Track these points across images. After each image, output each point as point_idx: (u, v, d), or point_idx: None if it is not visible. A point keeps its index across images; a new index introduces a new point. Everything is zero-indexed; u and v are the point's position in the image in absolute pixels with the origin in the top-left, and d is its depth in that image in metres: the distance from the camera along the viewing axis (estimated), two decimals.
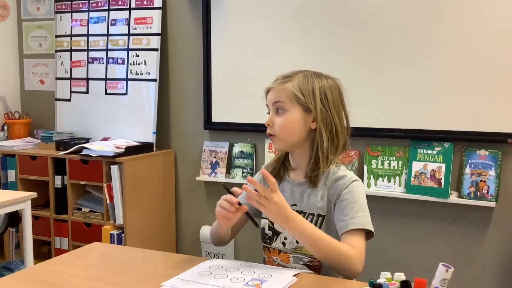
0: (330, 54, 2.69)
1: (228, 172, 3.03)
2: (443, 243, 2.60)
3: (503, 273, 2.50)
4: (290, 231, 1.35)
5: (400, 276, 0.88)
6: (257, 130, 2.90)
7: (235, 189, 1.39)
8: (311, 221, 1.43)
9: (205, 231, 3.08)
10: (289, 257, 1.47)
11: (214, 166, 3.04)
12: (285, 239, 1.48)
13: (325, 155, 1.42)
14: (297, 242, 1.45)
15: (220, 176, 3.01)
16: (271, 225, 1.51)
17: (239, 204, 1.35)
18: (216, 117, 3.04)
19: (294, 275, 1.29)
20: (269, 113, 1.49)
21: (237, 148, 3.01)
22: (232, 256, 3.06)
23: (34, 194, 2.43)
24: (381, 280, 0.87)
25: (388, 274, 0.89)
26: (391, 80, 2.59)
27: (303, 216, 1.43)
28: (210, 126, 3.06)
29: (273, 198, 1.28)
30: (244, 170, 2.97)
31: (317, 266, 1.44)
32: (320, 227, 1.42)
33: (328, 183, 1.44)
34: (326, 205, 1.43)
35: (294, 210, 1.42)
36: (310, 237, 1.31)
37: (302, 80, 1.44)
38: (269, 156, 2.90)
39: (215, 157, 3.05)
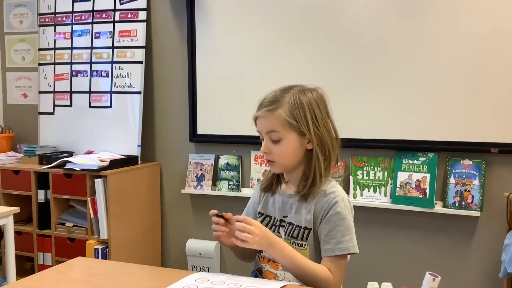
0: (315, 65, 2.71)
1: (214, 184, 3.01)
2: (429, 253, 2.61)
3: (489, 281, 2.51)
4: (273, 256, 1.41)
5: (388, 286, 0.88)
6: (243, 142, 2.90)
7: (225, 214, 1.42)
8: (298, 233, 1.45)
9: (191, 244, 3.06)
10: (278, 265, 1.48)
11: (200, 178, 3.03)
12: None
13: (322, 175, 1.45)
14: None
15: (206, 189, 3.00)
16: None
17: (223, 217, 1.42)
18: (201, 130, 3.03)
19: (281, 287, 1.28)
20: (262, 139, 1.47)
21: (223, 160, 3.00)
22: (219, 269, 3.04)
23: (16, 209, 2.39)
24: None
25: (375, 284, 0.89)
26: (376, 91, 2.61)
27: (291, 228, 1.47)
28: (196, 138, 3.05)
29: (254, 231, 1.33)
30: (230, 182, 2.95)
31: None
32: (306, 239, 1.44)
33: (316, 198, 1.46)
34: (313, 218, 1.44)
35: (285, 221, 1.48)
36: (291, 263, 1.38)
37: (292, 104, 1.42)
38: (255, 168, 2.89)
39: (200, 169, 3.04)
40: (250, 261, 1.61)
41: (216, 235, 1.43)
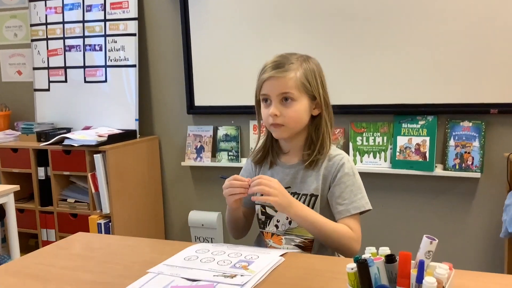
0: (312, 34, 2.66)
1: (213, 156, 3.01)
2: (430, 216, 2.62)
3: (490, 242, 2.53)
4: (293, 217, 1.37)
5: (385, 250, 0.88)
6: (241, 112, 2.88)
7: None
8: (304, 202, 1.45)
9: (193, 216, 3.07)
10: (281, 239, 1.48)
11: (199, 150, 3.02)
12: (278, 221, 1.49)
13: (330, 139, 1.45)
14: (289, 224, 1.46)
15: (206, 160, 2.99)
16: (263, 210, 1.52)
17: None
18: (199, 101, 3.01)
19: (281, 255, 1.28)
20: (265, 101, 1.43)
21: (221, 132, 2.98)
22: (222, 239, 3.06)
23: (16, 187, 2.39)
24: (366, 255, 0.86)
25: (373, 249, 0.89)
26: (372, 57, 2.57)
27: (297, 198, 1.46)
28: (193, 110, 3.03)
29: (273, 185, 1.31)
30: (230, 153, 2.95)
31: (308, 246, 1.46)
32: (313, 207, 1.44)
33: (323, 164, 1.45)
34: (321, 185, 1.44)
35: (288, 192, 1.44)
36: (312, 221, 1.35)
37: (305, 68, 1.40)
38: (253, 138, 2.88)
39: (199, 141, 3.03)
40: (241, 235, 1.60)
41: (234, 199, 1.38)
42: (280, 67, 1.39)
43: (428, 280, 0.77)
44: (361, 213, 1.43)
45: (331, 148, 1.47)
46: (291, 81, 1.38)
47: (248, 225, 1.60)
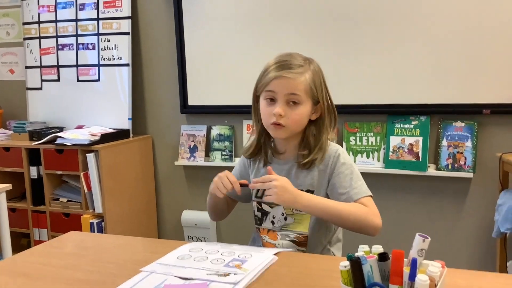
0: (305, 34, 2.67)
1: (207, 155, 3.00)
2: (422, 216, 2.63)
3: (482, 241, 2.54)
4: (303, 209, 1.34)
5: (378, 248, 0.88)
6: (235, 111, 2.88)
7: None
8: None
9: (187, 215, 3.07)
10: (277, 234, 1.49)
11: (193, 150, 3.02)
12: (273, 218, 1.50)
13: (328, 143, 1.45)
14: (285, 220, 1.47)
15: (199, 160, 2.99)
16: (260, 207, 1.53)
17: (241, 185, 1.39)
18: (192, 101, 3.00)
19: (274, 254, 1.28)
20: (271, 99, 1.41)
21: (215, 131, 2.98)
22: (215, 239, 3.06)
23: (8, 186, 2.37)
24: (359, 253, 0.86)
25: (366, 247, 0.89)
26: (366, 57, 2.58)
27: None
28: (187, 109, 3.02)
29: (273, 184, 1.30)
30: (223, 153, 2.95)
31: (302, 242, 1.47)
32: None
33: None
34: (317, 180, 1.44)
35: None
36: (324, 208, 1.33)
37: (314, 71, 1.41)
38: (247, 137, 2.88)
39: (193, 141, 3.02)
40: (219, 219, 1.63)
41: (218, 192, 1.38)
42: (290, 67, 1.38)
43: (420, 277, 0.77)
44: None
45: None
46: (302, 84, 1.38)
47: (228, 211, 1.62)
